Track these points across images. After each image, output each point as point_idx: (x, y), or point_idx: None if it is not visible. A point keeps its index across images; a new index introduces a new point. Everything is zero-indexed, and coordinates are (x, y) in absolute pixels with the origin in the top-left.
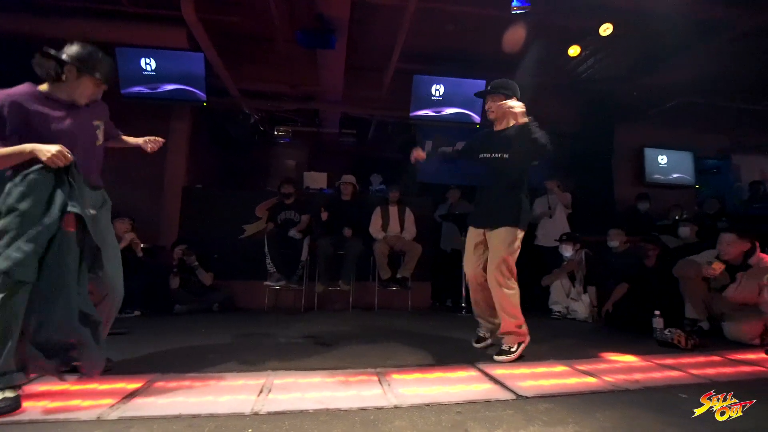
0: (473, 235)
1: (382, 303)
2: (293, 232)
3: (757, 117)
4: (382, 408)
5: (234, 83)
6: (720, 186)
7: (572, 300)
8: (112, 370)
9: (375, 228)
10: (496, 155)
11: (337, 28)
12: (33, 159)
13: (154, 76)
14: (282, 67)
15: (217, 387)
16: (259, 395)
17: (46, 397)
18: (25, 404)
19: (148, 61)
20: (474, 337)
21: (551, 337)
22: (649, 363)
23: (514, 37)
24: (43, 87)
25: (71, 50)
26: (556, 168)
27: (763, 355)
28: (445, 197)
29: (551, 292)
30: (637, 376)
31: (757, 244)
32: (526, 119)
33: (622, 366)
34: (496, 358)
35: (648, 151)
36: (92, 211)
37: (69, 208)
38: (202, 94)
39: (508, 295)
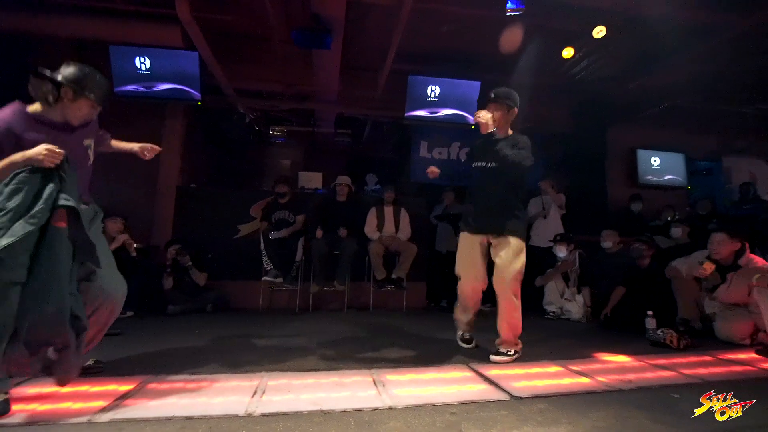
0: (474, 242)
1: (377, 303)
2: (278, 234)
3: (746, 119)
4: (376, 409)
5: (229, 82)
6: (711, 187)
7: (566, 300)
8: (104, 371)
9: (370, 228)
10: (491, 164)
11: (332, 27)
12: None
13: (148, 75)
14: (277, 66)
15: (211, 388)
16: (252, 396)
17: (35, 401)
18: (15, 407)
19: (142, 60)
20: (459, 335)
21: (545, 337)
22: (642, 363)
23: (509, 38)
24: (34, 108)
25: (67, 71)
26: (550, 169)
27: (753, 355)
28: (441, 198)
29: (545, 293)
30: (630, 376)
31: (747, 245)
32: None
33: (616, 366)
34: (492, 358)
35: (641, 153)
36: (84, 206)
37: (62, 202)
38: (196, 94)
39: (517, 306)
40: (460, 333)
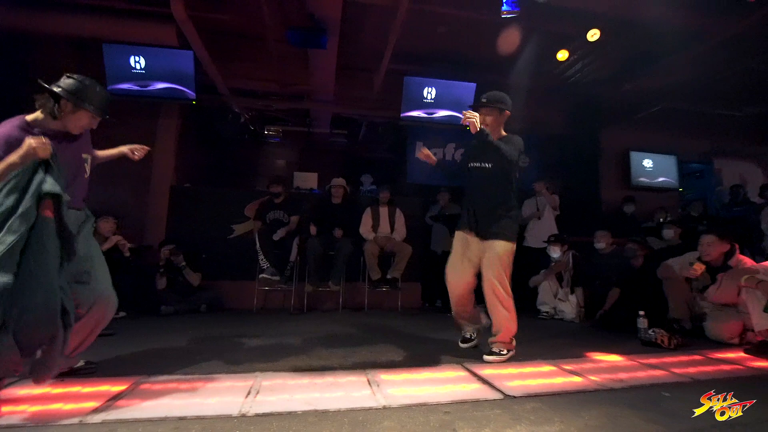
0: (464, 239)
1: (372, 303)
2: (279, 235)
3: (736, 123)
4: (370, 409)
5: (224, 82)
6: (703, 189)
7: (560, 300)
8: (96, 372)
9: (365, 228)
10: (485, 164)
11: (328, 27)
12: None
13: (143, 74)
14: (273, 66)
15: (204, 389)
16: (246, 397)
17: (26, 402)
18: (4, 409)
19: (137, 59)
20: (460, 337)
21: (538, 337)
22: (634, 362)
23: (505, 40)
24: (34, 116)
25: (67, 83)
26: (544, 170)
27: (742, 354)
28: (436, 199)
29: (539, 293)
30: (622, 375)
31: (737, 246)
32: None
33: (608, 365)
34: (486, 358)
35: (634, 155)
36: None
37: (48, 188)
38: (191, 93)
39: (506, 307)
40: (463, 333)
